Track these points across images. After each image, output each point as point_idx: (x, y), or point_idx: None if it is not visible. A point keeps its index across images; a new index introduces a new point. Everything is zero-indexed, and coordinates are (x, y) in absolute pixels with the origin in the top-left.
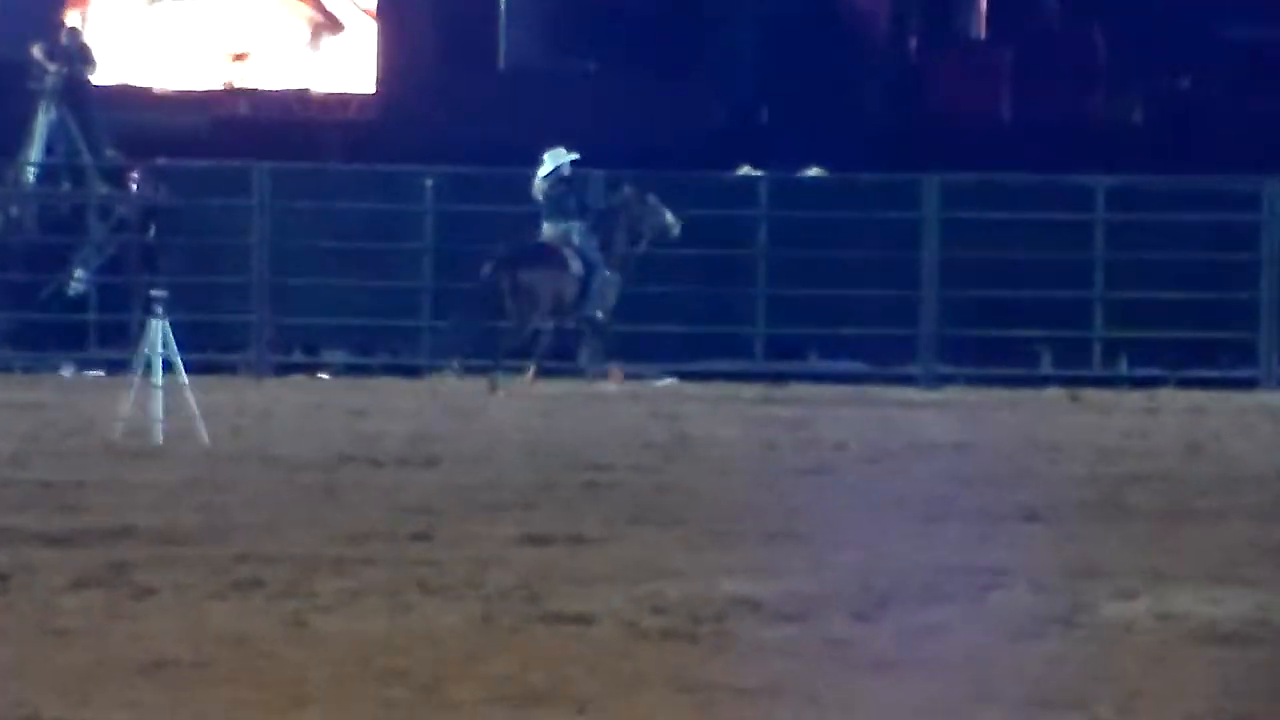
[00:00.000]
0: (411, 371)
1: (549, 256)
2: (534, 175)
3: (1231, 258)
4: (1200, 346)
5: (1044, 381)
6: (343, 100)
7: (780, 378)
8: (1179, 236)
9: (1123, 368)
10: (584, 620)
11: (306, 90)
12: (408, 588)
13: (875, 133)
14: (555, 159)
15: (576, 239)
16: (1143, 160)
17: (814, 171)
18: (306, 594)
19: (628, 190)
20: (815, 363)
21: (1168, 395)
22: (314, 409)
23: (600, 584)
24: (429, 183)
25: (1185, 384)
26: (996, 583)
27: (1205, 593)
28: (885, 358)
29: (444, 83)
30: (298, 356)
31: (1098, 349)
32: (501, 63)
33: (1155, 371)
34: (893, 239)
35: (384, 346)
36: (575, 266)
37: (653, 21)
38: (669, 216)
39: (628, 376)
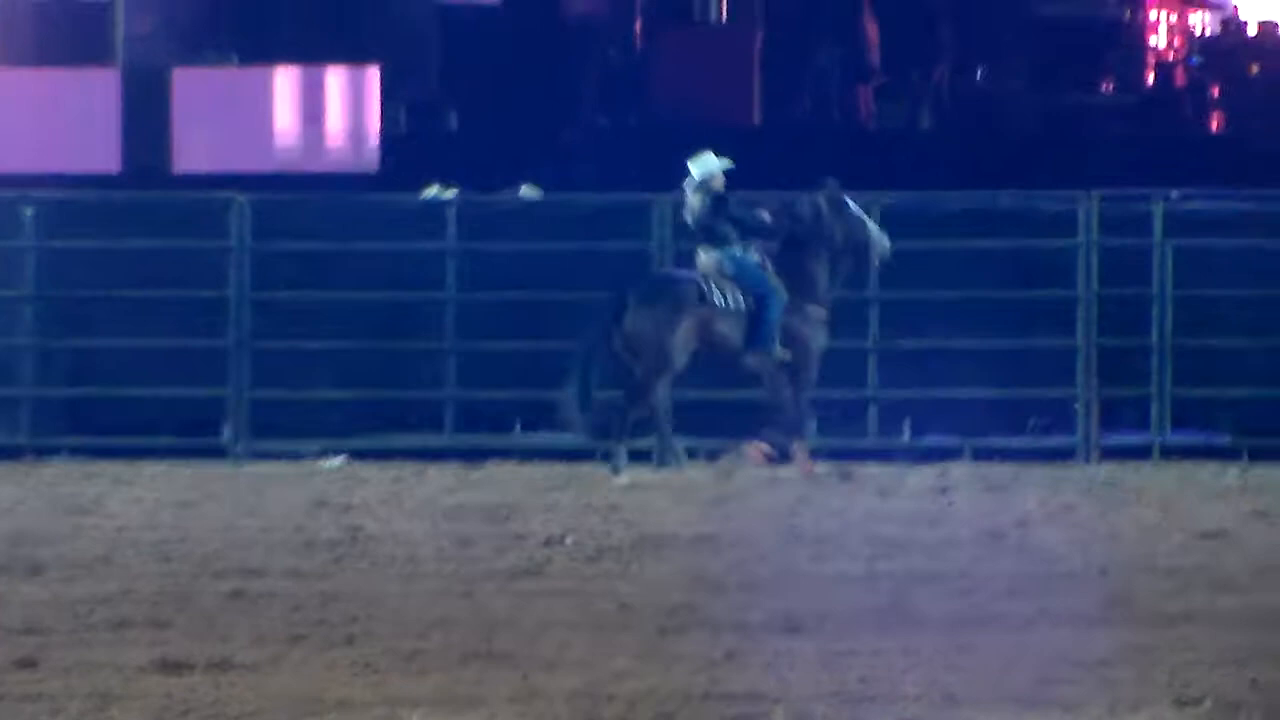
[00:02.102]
0: (11, 454)
1: (672, 290)
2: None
3: (1039, 295)
4: (1002, 408)
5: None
6: None
7: (477, 455)
8: (972, 268)
9: (904, 436)
10: None
11: None
12: None
13: (594, 141)
14: (703, 168)
15: (730, 267)
16: (928, 173)
17: (525, 191)
18: None
19: (823, 195)
20: (521, 436)
21: (962, 470)
22: None
23: None
24: (29, 212)
25: (983, 456)
26: (750, 712)
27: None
28: (609, 428)
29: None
30: None
31: (873, 413)
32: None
33: (946, 440)
34: (617, 274)
35: None
36: (729, 300)
37: (309, 3)
38: (874, 231)
39: (280, 455)
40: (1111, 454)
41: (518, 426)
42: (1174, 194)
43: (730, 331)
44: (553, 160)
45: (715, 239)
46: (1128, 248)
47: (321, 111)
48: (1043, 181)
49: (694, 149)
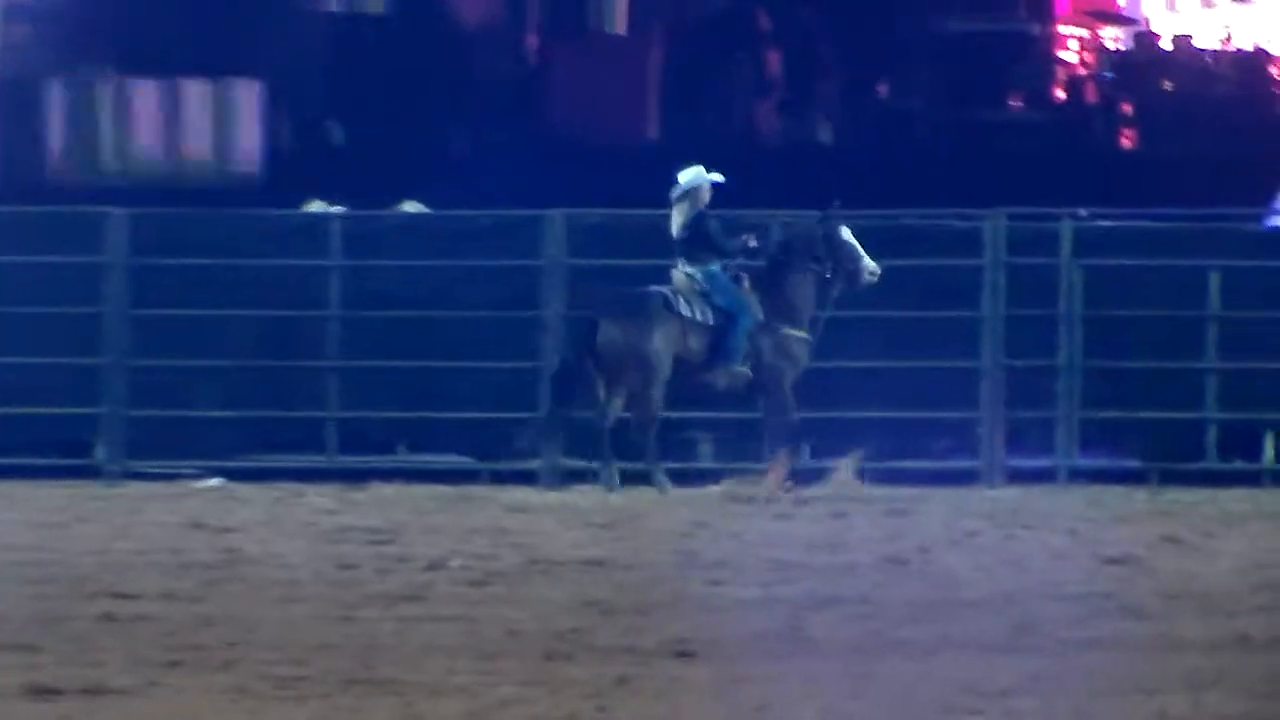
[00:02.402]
0: None
1: (639, 302)
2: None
3: (944, 315)
4: (905, 430)
5: (706, 477)
6: None
7: (359, 476)
8: (876, 287)
9: (804, 457)
10: None
11: None
12: None
13: (487, 156)
14: (689, 179)
15: (703, 281)
16: (831, 190)
17: (408, 207)
18: None
19: (817, 222)
20: (405, 456)
21: (864, 493)
22: None
23: None
24: None
25: (887, 478)
26: None
27: None
28: (496, 449)
29: None
30: None
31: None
32: None
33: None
34: (508, 292)
35: None
36: (696, 313)
37: (188, 14)
38: (865, 261)
39: (157, 475)
40: (1017, 477)
41: (402, 447)
42: (1083, 212)
43: (696, 345)
44: (442, 175)
45: (692, 254)
46: (1036, 267)
47: (203, 124)
48: (949, 199)
49: (588, 164)
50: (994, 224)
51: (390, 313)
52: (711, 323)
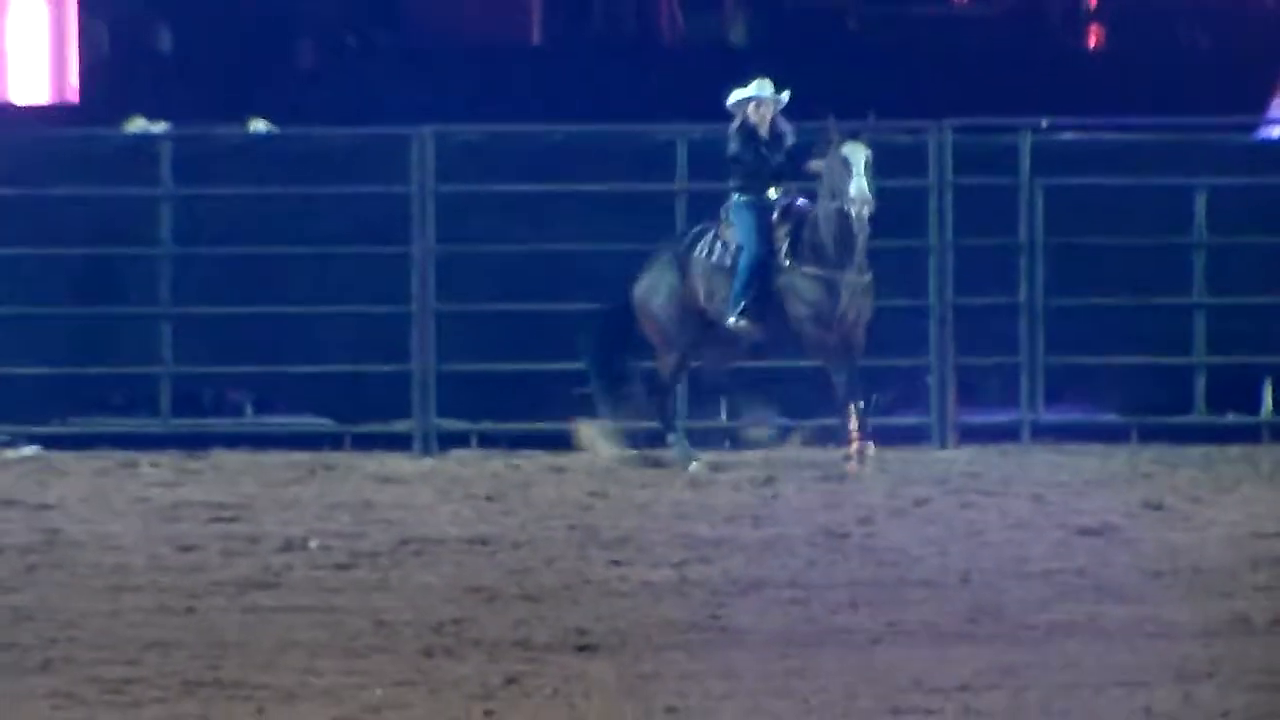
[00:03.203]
0: None
1: (664, 248)
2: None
3: (883, 245)
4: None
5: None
6: None
7: (199, 442)
8: None
9: (720, 416)
10: None
11: None
12: None
13: (341, 65)
14: (747, 92)
15: (730, 214)
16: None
17: (255, 125)
18: None
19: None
20: (252, 419)
21: (791, 456)
22: None
23: None
24: None
25: (817, 439)
26: None
27: None
28: (365, 409)
29: None
30: None
31: (682, 388)
32: None
33: (771, 420)
34: (370, 225)
35: None
36: (714, 257)
37: None
38: (850, 185)
39: None
40: (972, 436)
41: (249, 408)
42: (1044, 123)
43: (719, 294)
44: (289, 88)
45: (743, 177)
46: (989, 188)
47: (6, 35)
48: (887, 109)
49: (460, 72)
50: (939, 138)
51: (231, 249)
52: (728, 265)
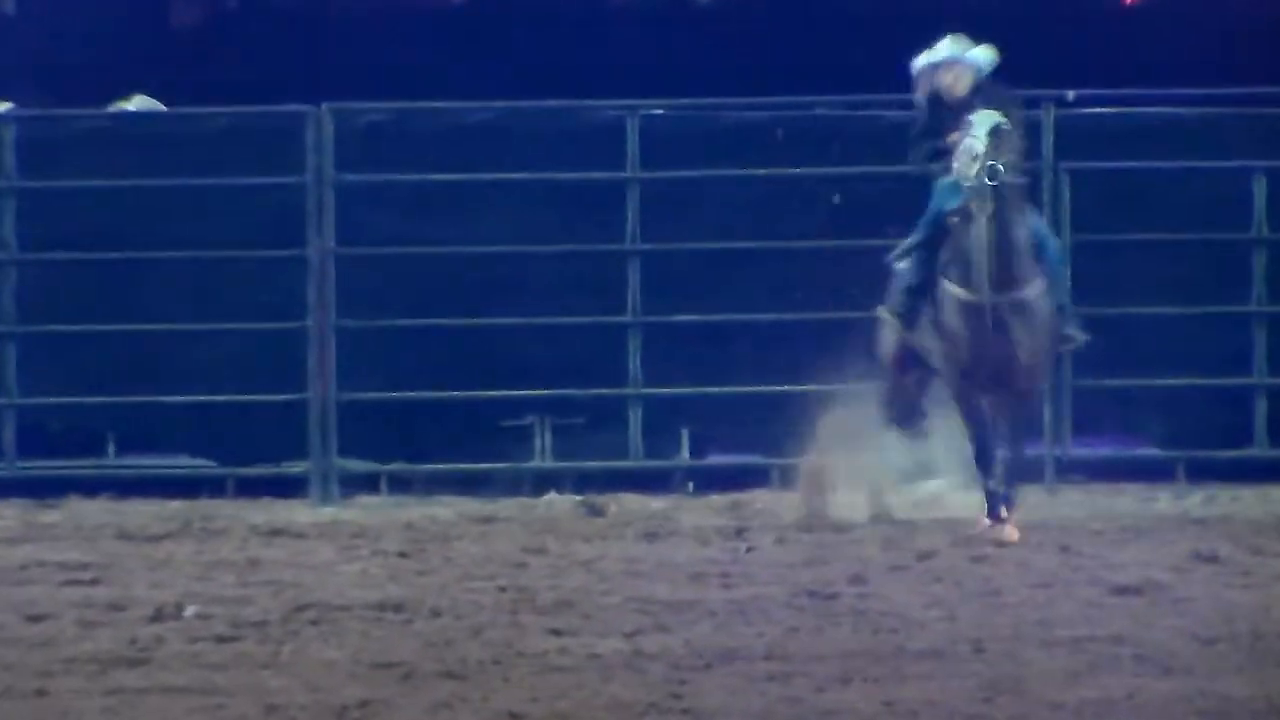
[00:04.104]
0: None
1: None
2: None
3: (871, 244)
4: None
5: (542, 481)
6: None
7: (51, 489)
8: (772, 206)
9: (682, 453)
10: None
11: None
12: None
13: (220, 31)
14: (949, 50)
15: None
16: (705, 70)
17: (136, 102)
18: None
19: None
20: (116, 461)
21: (768, 501)
22: None
23: None
24: None
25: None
26: None
27: None
28: (251, 449)
29: None
30: None
31: (636, 419)
32: None
33: (745, 458)
34: (257, 221)
35: None
36: None
37: None
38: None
39: None
40: None
41: (111, 447)
42: (1070, 95)
43: None
44: (161, 59)
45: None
46: None
47: None
48: (876, 80)
49: (364, 40)
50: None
51: (88, 255)
52: None
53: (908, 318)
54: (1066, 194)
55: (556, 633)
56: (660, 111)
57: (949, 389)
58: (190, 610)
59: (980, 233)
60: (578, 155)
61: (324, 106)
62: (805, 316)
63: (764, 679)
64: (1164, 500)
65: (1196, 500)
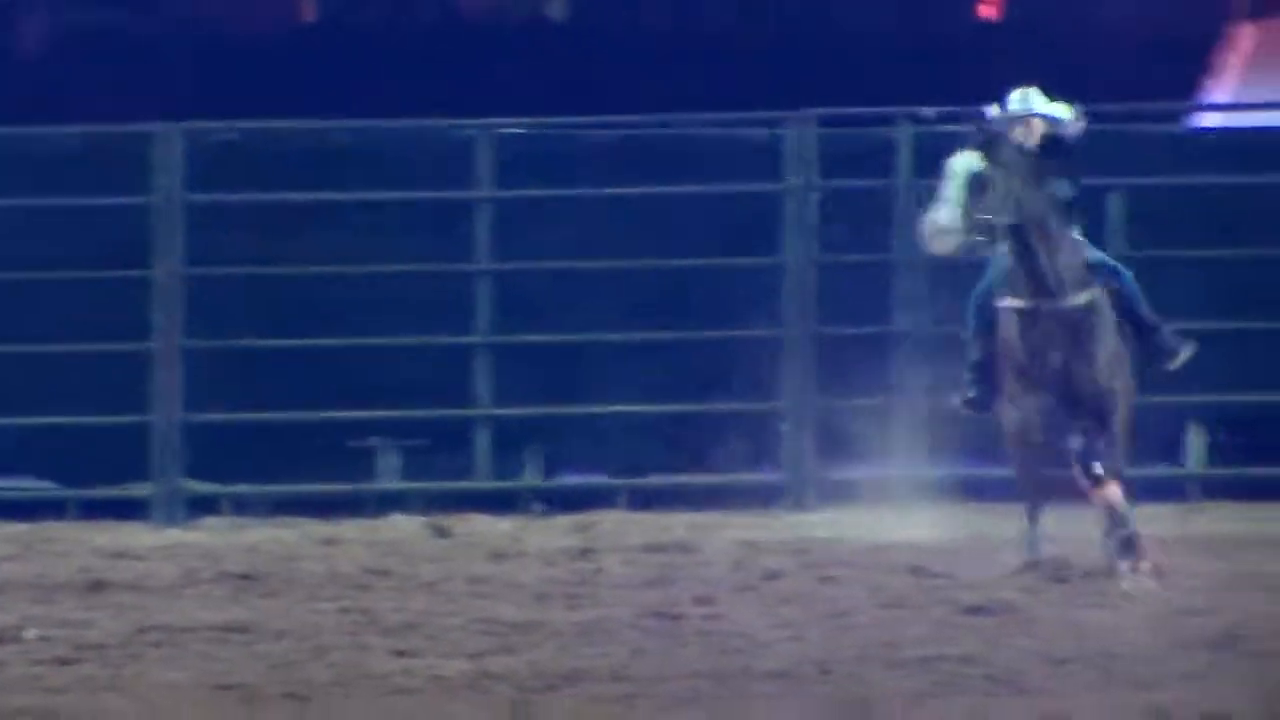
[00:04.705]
0: None
1: None
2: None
3: (737, 263)
4: (676, 431)
5: (388, 502)
6: None
7: None
8: (625, 225)
9: (529, 473)
10: None
11: None
12: None
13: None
14: (1021, 102)
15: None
16: (555, 87)
17: None
18: None
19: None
20: None
21: (615, 521)
22: None
23: None
24: None
25: (650, 500)
26: None
27: None
28: (93, 470)
29: None
30: None
31: (484, 440)
32: None
33: (592, 479)
34: (105, 241)
35: None
36: None
37: None
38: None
39: None
40: (836, 494)
41: None
42: (928, 112)
43: None
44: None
45: None
46: (861, 192)
47: None
48: (737, 99)
49: (216, 60)
50: (800, 132)
51: None
52: None
53: (978, 400)
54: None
55: (401, 654)
56: (513, 131)
57: (1010, 458)
58: (31, 633)
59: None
60: (429, 175)
61: (175, 126)
62: (655, 336)
63: (609, 700)
64: (1013, 521)
65: (1052, 519)
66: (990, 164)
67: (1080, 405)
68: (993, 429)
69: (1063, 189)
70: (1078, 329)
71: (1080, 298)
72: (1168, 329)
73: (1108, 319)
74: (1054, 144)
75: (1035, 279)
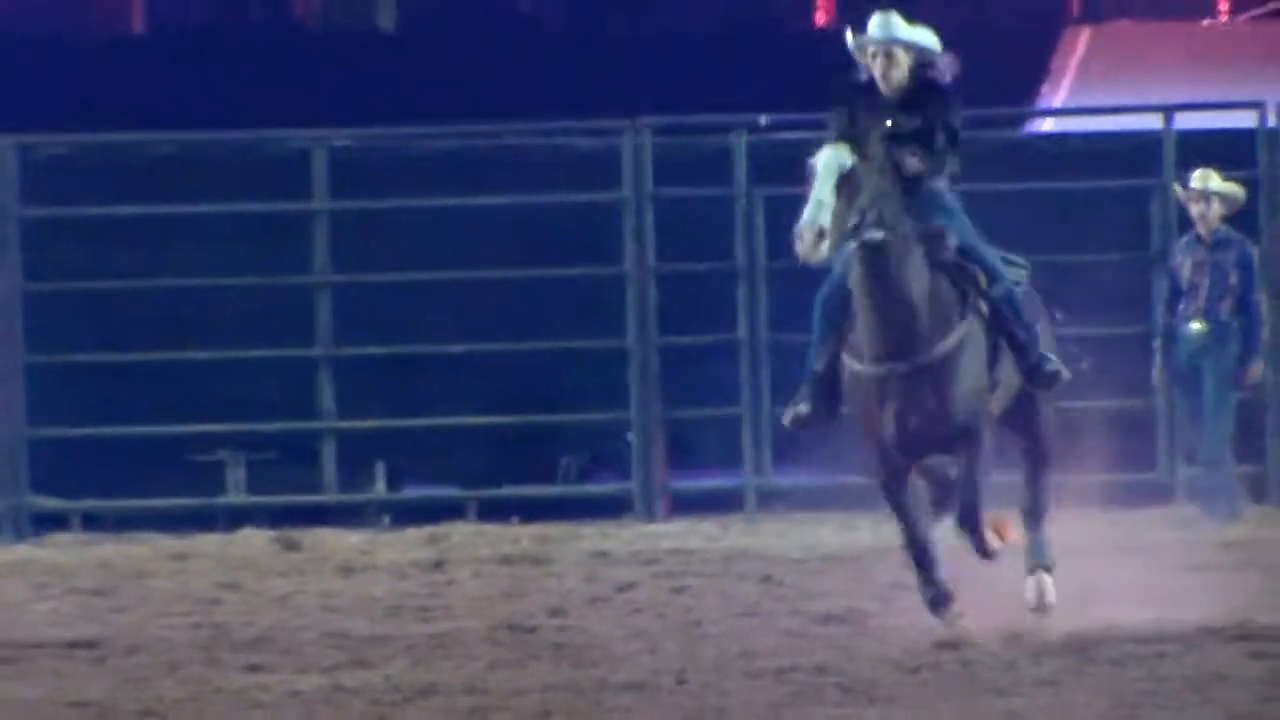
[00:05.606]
0: None
1: None
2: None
3: (574, 273)
4: (521, 443)
5: (239, 517)
6: None
7: None
8: (471, 234)
9: (378, 487)
10: None
11: None
12: None
13: None
14: (878, 27)
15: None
16: (400, 96)
17: None
18: None
19: None
20: None
21: (465, 535)
22: None
23: None
24: None
25: (497, 512)
26: None
27: None
28: None
29: None
30: None
31: (330, 452)
32: None
33: (440, 491)
34: None
35: None
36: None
37: None
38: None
39: None
40: (686, 505)
41: None
42: (764, 120)
43: None
44: None
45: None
46: (697, 200)
47: None
48: (569, 107)
49: (43, 68)
50: (635, 140)
51: None
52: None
53: (812, 418)
54: (761, 221)
55: (254, 669)
56: (348, 142)
57: (873, 477)
58: None
59: (861, 298)
60: (265, 187)
61: (7, 139)
62: (499, 347)
63: (464, 713)
64: (864, 529)
65: (896, 530)
66: (857, 158)
67: (943, 445)
68: (840, 438)
69: (951, 164)
70: (937, 379)
71: (944, 344)
72: (1038, 352)
73: (976, 351)
74: (927, 88)
75: (886, 334)
